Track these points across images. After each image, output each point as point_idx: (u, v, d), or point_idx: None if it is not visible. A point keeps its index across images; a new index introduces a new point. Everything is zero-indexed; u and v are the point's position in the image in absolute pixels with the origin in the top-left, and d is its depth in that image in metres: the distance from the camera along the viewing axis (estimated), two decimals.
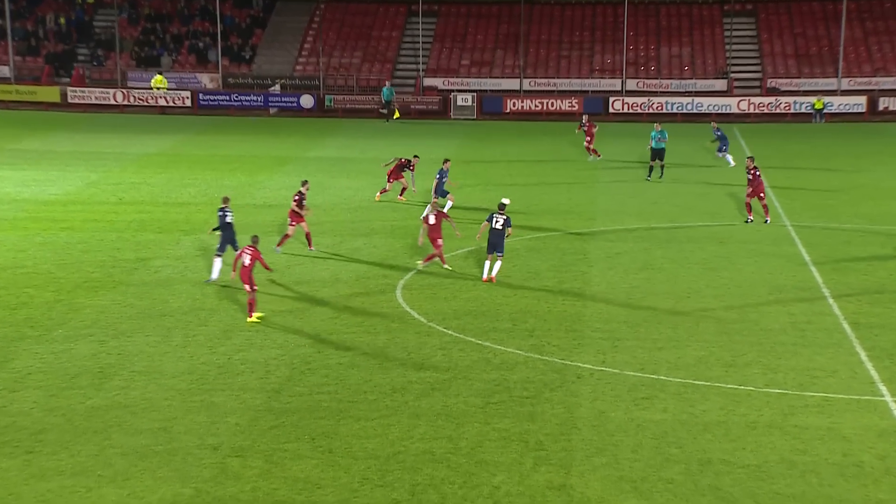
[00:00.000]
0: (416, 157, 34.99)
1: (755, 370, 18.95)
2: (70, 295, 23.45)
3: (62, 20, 65.58)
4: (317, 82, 60.85)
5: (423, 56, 62.11)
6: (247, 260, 21.35)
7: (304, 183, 27.98)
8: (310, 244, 27.39)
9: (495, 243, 24.35)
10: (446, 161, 32.98)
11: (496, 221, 24.32)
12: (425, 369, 19.09)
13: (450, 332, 21.14)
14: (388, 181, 34.13)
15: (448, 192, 32.23)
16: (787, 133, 51.93)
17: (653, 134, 36.98)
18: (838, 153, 44.17)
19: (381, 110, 53.21)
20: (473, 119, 57.30)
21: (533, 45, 63.48)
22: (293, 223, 26.93)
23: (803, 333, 20.97)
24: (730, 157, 40.18)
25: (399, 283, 24.79)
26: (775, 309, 22.59)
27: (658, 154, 36.94)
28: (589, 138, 41.90)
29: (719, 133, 40.53)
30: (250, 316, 21.47)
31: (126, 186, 35.86)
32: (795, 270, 25.72)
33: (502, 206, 24.60)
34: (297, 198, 27.04)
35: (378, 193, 34.42)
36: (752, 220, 30.02)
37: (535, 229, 30.27)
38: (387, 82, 58.72)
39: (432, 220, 25.36)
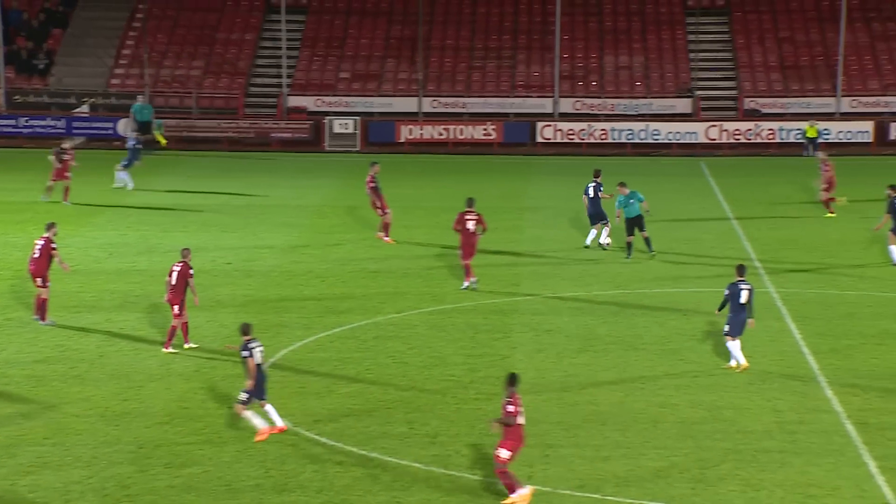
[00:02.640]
0: None
1: (731, 487, 19.44)
2: None
3: None
4: (142, 102, 60.64)
5: (286, 67, 62.60)
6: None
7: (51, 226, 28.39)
8: (41, 316, 27.56)
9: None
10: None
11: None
12: (289, 492, 19.03)
13: (323, 439, 21.15)
14: None
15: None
16: (771, 169, 53.76)
17: (620, 199, 34.80)
18: (838, 196, 45.84)
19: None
20: (356, 151, 57.84)
21: (435, 53, 64.54)
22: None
23: (794, 437, 21.60)
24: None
25: None
26: (756, 404, 23.25)
27: (636, 223, 34.80)
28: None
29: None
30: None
31: None
32: (783, 353, 26.54)
33: None
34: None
35: None
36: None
37: (438, 299, 30.61)
38: (139, 97, 58.82)
39: None
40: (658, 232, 36.97)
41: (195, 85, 62.33)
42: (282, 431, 21.19)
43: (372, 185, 37.47)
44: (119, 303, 30.23)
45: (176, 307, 26.06)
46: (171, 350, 26.10)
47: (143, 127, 55.97)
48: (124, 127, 56.25)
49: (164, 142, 55.70)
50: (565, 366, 25.41)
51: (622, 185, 35.07)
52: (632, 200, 34.76)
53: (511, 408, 18.53)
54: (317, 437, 21.27)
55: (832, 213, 41.72)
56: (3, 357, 25.64)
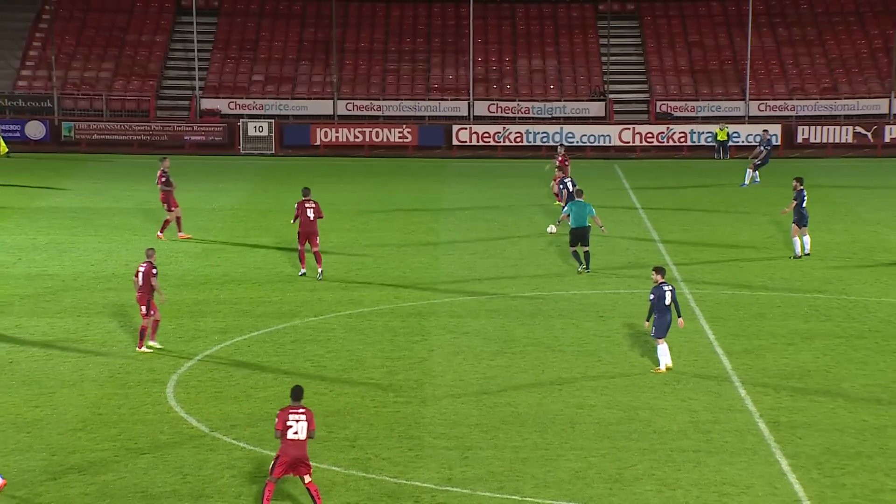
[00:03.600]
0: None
1: (648, 486, 19.67)
2: None
3: None
4: (49, 104, 59.80)
5: (199, 69, 62.10)
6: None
7: None
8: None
9: None
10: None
11: None
12: (206, 497, 18.92)
13: (241, 444, 21.04)
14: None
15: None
16: (683, 172, 54.47)
17: (570, 207, 33.73)
18: (747, 199, 46.55)
19: None
20: (271, 154, 57.59)
21: (349, 56, 64.49)
22: None
23: (708, 436, 21.90)
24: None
25: (171, 378, 24.57)
26: (672, 404, 23.54)
27: (582, 235, 33.57)
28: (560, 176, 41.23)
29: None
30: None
31: None
32: (697, 353, 26.91)
33: None
34: None
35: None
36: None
37: (356, 303, 30.61)
38: None
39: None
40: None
41: (105, 87, 61.59)
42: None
43: (163, 180, 37.55)
44: (29, 308, 29.78)
45: (143, 307, 25.96)
46: (145, 349, 26.08)
47: None
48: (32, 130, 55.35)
49: (4, 149, 53.95)
50: (483, 368, 25.52)
51: (579, 192, 34.20)
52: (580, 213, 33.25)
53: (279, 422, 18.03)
54: (235, 441, 21.14)
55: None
56: None
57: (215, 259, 35.50)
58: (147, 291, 25.97)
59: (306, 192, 32.92)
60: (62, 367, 25.26)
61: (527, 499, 19.02)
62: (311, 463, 18.28)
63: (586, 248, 33.86)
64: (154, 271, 26.04)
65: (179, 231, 37.73)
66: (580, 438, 21.55)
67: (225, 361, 25.81)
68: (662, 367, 25.25)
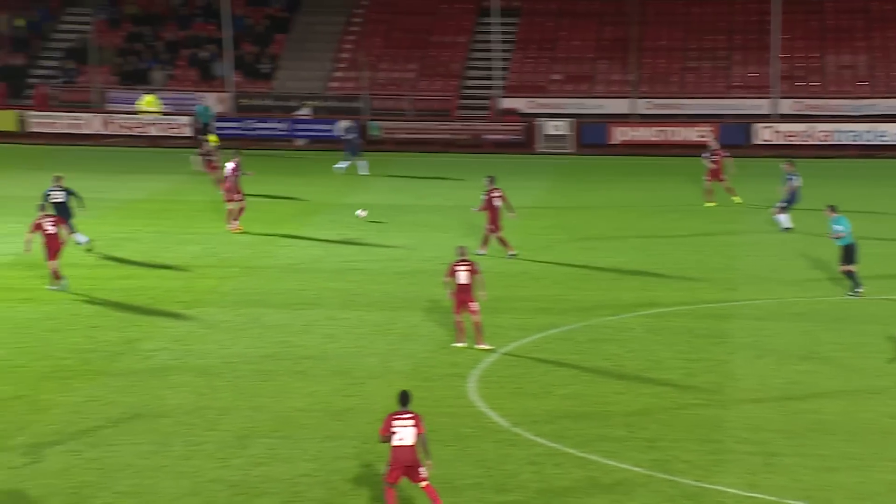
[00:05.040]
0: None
1: None
2: (34, 389, 24.03)
3: (21, 22, 67.48)
4: (358, 104, 61.96)
5: (499, 69, 63.01)
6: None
7: None
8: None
9: None
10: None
11: None
12: (508, 491, 19.17)
13: (541, 440, 21.23)
14: None
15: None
16: None
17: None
18: None
19: (199, 137, 52.37)
20: (568, 152, 57.77)
21: (648, 54, 63.95)
22: None
23: None
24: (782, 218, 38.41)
25: (472, 372, 25.02)
26: None
27: (851, 252, 30.86)
28: (715, 171, 41.20)
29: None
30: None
31: (106, 243, 36.81)
32: None
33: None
34: None
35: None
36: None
37: (654, 303, 30.35)
38: (201, 99, 60.17)
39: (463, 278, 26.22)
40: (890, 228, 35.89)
41: (410, 87, 63.31)
42: None
43: (236, 173, 38.49)
44: (340, 301, 30.87)
45: (472, 304, 26.27)
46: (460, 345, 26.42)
47: (204, 129, 56.91)
48: (339, 128, 57.37)
49: (216, 142, 55.88)
50: (787, 373, 24.86)
51: (832, 208, 31.41)
52: (839, 227, 30.80)
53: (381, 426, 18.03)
54: (535, 437, 21.35)
55: None
56: (235, 352, 26.54)
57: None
58: (467, 290, 26.23)
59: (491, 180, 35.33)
60: (370, 359, 26.09)
61: None
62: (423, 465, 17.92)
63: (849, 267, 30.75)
64: (478, 269, 26.49)
65: (233, 222, 38.44)
66: (894, 449, 20.67)
67: (524, 358, 26.10)
68: None
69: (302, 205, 44.05)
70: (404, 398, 18.52)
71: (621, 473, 19.66)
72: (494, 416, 22.43)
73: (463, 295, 26.33)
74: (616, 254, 35.94)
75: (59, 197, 34.64)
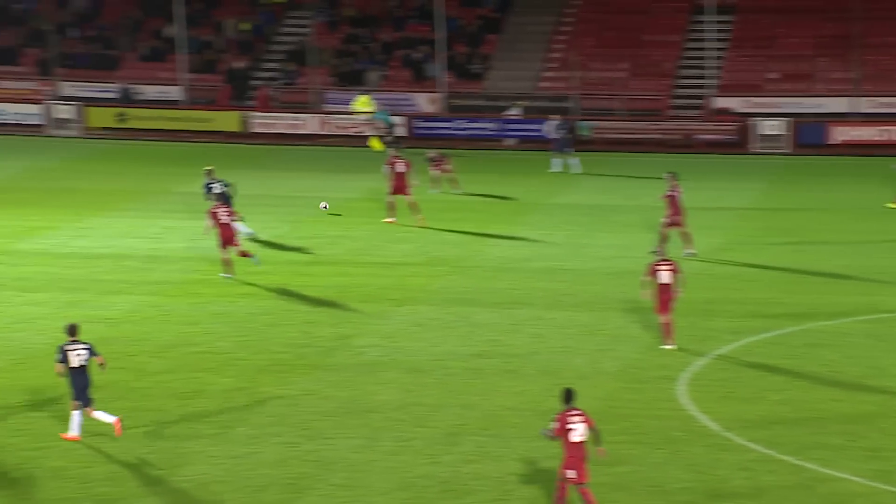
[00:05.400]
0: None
1: None
2: (253, 382, 24.84)
3: (246, 26, 69.57)
4: (567, 104, 61.84)
5: (713, 68, 61.95)
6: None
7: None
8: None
9: None
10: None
11: None
12: (721, 498, 18.87)
13: (754, 445, 20.83)
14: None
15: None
16: None
17: None
18: None
19: (390, 139, 53.99)
20: (784, 153, 56.40)
21: (871, 51, 61.91)
22: None
23: None
24: None
25: (682, 375, 24.72)
26: None
27: None
28: None
29: None
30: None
31: (322, 241, 37.69)
32: None
33: None
34: None
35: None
36: None
37: (875, 309, 29.37)
38: (380, 104, 59.55)
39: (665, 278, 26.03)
40: None
41: (621, 87, 62.85)
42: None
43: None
44: (549, 301, 30.85)
45: (664, 305, 26.39)
46: (668, 347, 26.41)
47: (389, 132, 57.06)
48: (548, 126, 57.31)
49: (380, 147, 55.81)
50: None
51: None
52: None
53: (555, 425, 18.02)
54: (747, 443, 20.94)
55: None
56: (445, 349, 26.86)
57: (723, 258, 35.23)
58: (669, 290, 26.19)
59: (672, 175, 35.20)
60: (578, 359, 26.03)
61: None
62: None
63: None
64: (680, 269, 26.40)
65: (391, 217, 39.39)
66: None
67: (736, 362, 25.64)
68: None
69: (512, 204, 44.22)
70: (569, 395, 18.67)
71: (839, 483, 19.12)
72: (705, 420, 22.11)
73: (665, 295, 26.10)
74: (833, 257, 34.93)
75: (218, 188, 36.15)
